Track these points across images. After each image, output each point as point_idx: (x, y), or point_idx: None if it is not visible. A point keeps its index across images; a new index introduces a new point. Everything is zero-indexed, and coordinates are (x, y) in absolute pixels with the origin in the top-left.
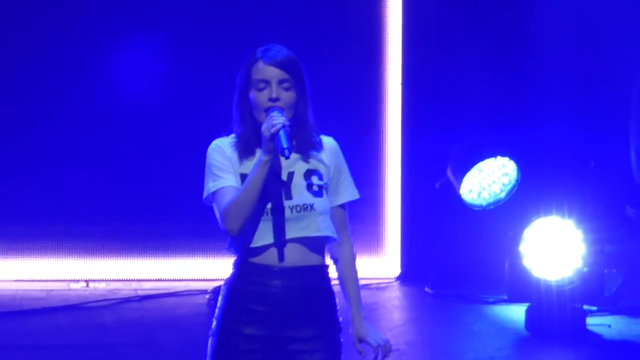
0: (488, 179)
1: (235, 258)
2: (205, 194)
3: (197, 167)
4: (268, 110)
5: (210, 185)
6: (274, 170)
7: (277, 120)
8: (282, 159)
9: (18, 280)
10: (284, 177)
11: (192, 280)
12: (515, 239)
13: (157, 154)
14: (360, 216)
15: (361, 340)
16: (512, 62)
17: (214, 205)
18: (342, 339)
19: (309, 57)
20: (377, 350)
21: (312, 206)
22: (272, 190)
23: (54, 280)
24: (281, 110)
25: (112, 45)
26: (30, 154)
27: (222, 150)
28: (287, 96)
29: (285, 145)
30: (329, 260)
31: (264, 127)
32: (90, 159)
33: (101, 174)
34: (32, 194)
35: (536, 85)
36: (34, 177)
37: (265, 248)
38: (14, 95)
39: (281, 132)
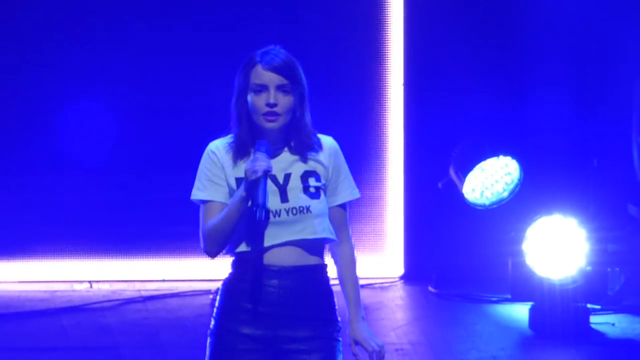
0: (491, 178)
1: (233, 258)
2: (192, 197)
3: (197, 168)
4: (265, 115)
5: (199, 194)
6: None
7: (260, 165)
8: (277, 158)
9: (21, 282)
10: (281, 179)
11: (195, 280)
12: (518, 238)
13: (159, 155)
14: (363, 216)
15: (357, 343)
16: (515, 59)
17: (200, 214)
18: (340, 339)
19: (309, 56)
20: (371, 356)
21: (308, 209)
22: (269, 192)
23: (58, 282)
24: (267, 145)
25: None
26: (31, 157)
27: (215, 157)
28: (285, 101)
29: (260, 201)
30: (328, 260)
31: (247, 167)
32: (91, 161)
33: (103, 176)
34: (34, 197)
35: (539, 83)
36: (36, 180)
37: (263, 250)
38: (10, 98)
39: (261, 184)
